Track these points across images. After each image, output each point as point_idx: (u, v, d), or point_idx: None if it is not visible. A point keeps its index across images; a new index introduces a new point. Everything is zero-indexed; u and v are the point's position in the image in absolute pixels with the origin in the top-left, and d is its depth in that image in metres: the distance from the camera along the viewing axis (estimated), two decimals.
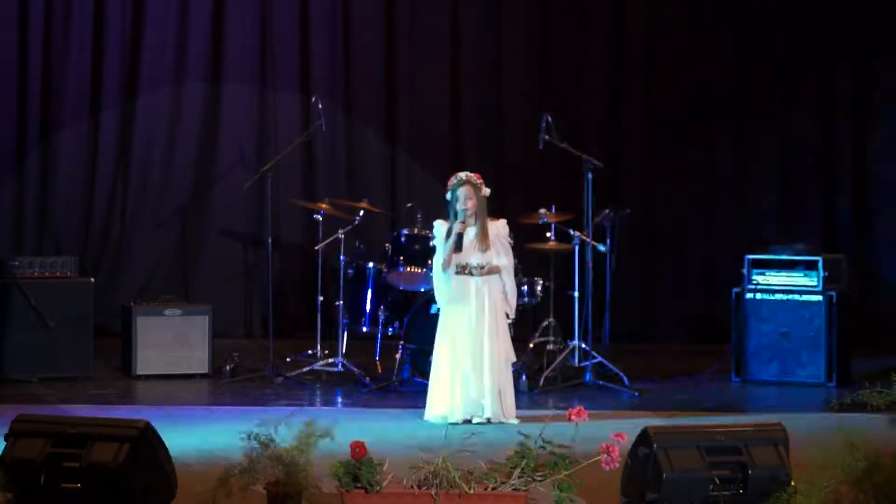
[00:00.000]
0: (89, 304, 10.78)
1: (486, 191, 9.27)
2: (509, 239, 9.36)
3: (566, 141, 10.92)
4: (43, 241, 13.05)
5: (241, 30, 13.33)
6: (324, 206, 11.16)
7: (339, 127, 13.35)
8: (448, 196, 9.25)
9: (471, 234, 9.18)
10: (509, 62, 13.49)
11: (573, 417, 6.39)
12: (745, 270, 10.96)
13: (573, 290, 10.76)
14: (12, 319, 10.56)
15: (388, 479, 6.35)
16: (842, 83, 13.18)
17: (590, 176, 10.77)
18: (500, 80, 13.50)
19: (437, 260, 9.25)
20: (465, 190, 9.18)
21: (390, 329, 10.80)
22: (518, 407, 9.34)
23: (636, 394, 10.29)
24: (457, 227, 9.12)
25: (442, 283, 9.22)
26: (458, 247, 9.12)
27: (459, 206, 9.15)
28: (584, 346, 10.67)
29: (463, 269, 9.20)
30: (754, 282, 10.94)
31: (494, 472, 6.37)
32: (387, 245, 10.74)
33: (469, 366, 9.10)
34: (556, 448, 6.31)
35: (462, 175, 9.26)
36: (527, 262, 10.82)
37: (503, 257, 9.24)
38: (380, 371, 10.70)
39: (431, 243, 10.31)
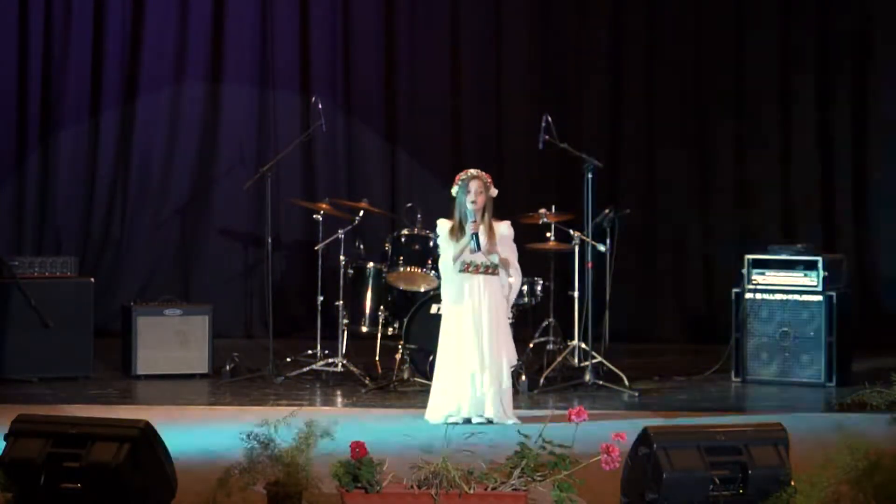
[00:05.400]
0: (89, 304, 10.77)
1: (494, 191, 9.26)
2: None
3: (566, 141, 10.93)
4: (43, 241, 13.06)
5: (241, 30, 13.34)
6: (324, 206, 11.16)
7: (339, 127, 13.36)
8: (455, 191, 9.23)
9: (481, 234, 9.17)
10: (509, 62, 13.49)
11: (573, 417, 6.39)
12: (745, 270, 10.96)
13: (573, 290, 10.76)
14: (12, 319, 10.56)
15: (388, 479, 6.35)
16: (842, 82, 13.17)
17: (590, 176, 10.77)
18: (500, 80, 13.50)
19: (446, 258, 9.23)
20: (477, 184, 9.16)
21: (390, 329, 10.80)
22: (518, 407, 9.35)
23: (636, 394, 10.29)
24: (471, 227, 9.11)
25: (450, 281, 9.21)
26: (477, 247, 9.11)
27: (469, 199, 9.13)
28: (584, 346, 10.67)
29: (467, 268, 9.20)
30: (754, 282, 10.93)
31: (494, 472, 6.37)
32: (387, 245, 10.74)
33: (476, 364, 9.10)
34: (556, 448, 6.31)
35: (473, 171, 9.26)
36: (527, 262, 10.80)
37: (511, 258, 9.26)
38: (380, 371, 10.69)
39: (431, 243, 10.32)
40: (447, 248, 9.23)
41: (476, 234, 9.10)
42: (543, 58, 13.48)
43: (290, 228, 13.19)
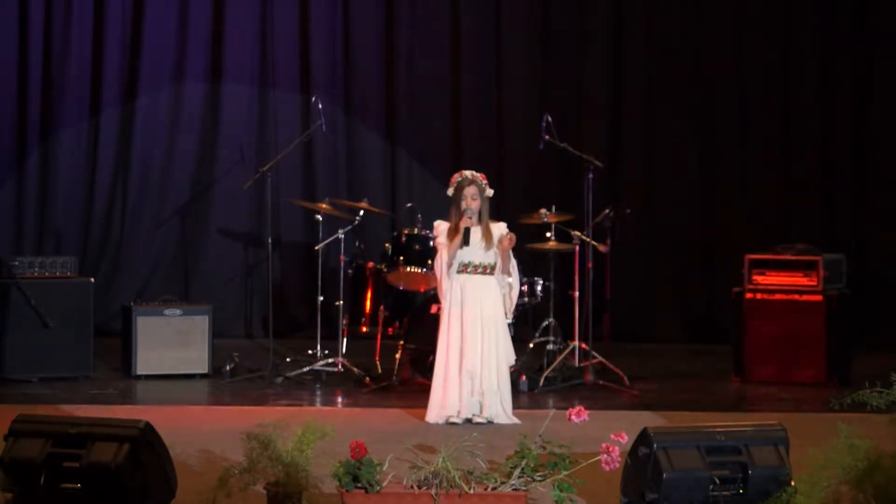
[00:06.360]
0: (89, 304, 10.77)
1: (490, 192, 9.26)
2: None
3: (566, 141, 10.93)
4: (43, 241, 13.06)
5: (241, 30, 13.34)
6: (324, 206, 11.16)
7: (339, 127, 13.35)
8: (450, 192, 9.24)
9: (476, 233, 9.18)
10: (509, 63, 13.49)
11: (573, 417, 6.39)
12: (745, 270, 10.96)
13: (573, 290, 10.76)
14: (12, 319, 10.55)
15: (388, 479, 6.35)
16: (843, 83, 13.17)
17: (590, 176, 10.78)
18: (500, 80, 13.50)
19: (441, 259, 9.24)
20: (471, 189, 9.16)
21: (390, 329, 10.80)
22: (518, 407, 9.35)
23: (636, 394, 10.29)
24: (464, 223, 9.11)
25: (445, 281, 9.21)
26: (465, 241, 9.11)
27: (463, 205, 9.14)
28: (584, 346, 10.67)
29: (465, 269, 9.20)
30: (754, 282, 10.93)
31: (494, 472, 6.38)
32: (387, 245, 10.74)
33: (474, 364, 9.10)
34: (556, 448, 6.31)
35: (468, 174, 9.25)
36: (527, 262, 10.82)
37: (511, 258, 9.26)
38: (380, 371, 10.70)
39: (431, 243, 10.32)
40: (443, 250, 9.23)
41: (467, 230, 9.10)
42: (543, 57, 13.48)
43: (290, 228, 13.18)
